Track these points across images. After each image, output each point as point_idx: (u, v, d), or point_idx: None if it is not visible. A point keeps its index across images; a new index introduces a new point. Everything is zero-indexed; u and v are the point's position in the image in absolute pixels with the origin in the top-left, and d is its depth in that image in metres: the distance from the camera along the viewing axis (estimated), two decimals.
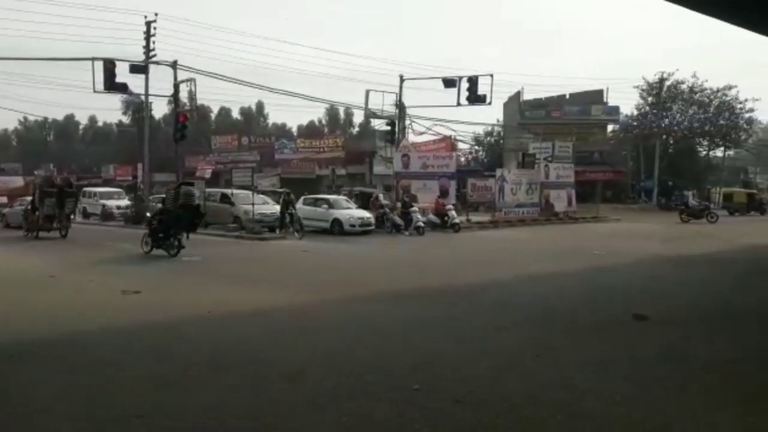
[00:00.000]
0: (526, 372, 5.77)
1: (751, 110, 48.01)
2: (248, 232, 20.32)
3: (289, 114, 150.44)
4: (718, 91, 47.69)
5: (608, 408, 4.76)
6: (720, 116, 47.94)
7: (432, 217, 23.62)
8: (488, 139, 56.05)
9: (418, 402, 4.88)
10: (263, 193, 27.54)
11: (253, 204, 21.36)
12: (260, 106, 76.48)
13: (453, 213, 23.73)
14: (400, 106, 31.54)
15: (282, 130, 71.99)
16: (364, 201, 25.69)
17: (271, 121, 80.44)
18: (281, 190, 27.17)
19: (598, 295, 10.23)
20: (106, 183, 48.02)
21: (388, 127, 31.12)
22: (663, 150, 47.33)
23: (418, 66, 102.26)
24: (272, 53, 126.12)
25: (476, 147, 55.90)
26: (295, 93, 49.67)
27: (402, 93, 30.99)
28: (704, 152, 53.66)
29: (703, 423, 4.56)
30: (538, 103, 51.48)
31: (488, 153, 54.94)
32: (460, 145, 49.14)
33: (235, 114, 76.84)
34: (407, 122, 33.06)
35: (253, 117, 77.66)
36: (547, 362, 6.13)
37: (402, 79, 31.05)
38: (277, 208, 21.90)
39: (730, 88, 47.50)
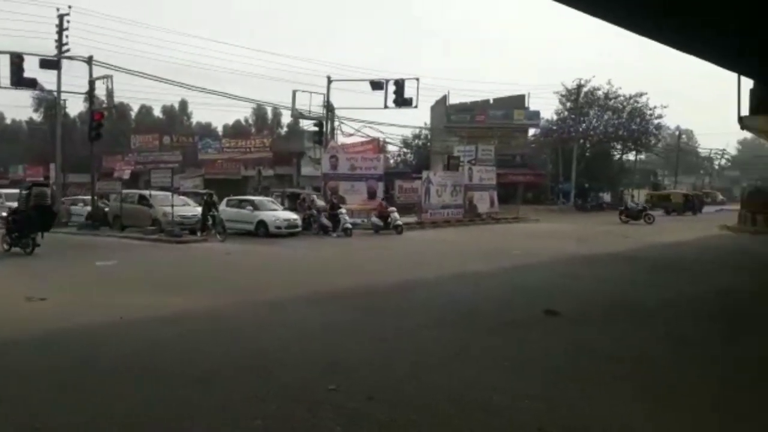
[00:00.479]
0: (444, 370, 5.86)
1: (660, 116, 51.28)
2: (167, 235, 19.63)
3: (215, 113, 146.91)
4: (630, 97, 50.63)
5: (519, 403, 4.92)
6: (632, 122, 50.86)
7: (375, 219, 23.61)
8: (416, 141, 56.84)
9: (334, 402, 4.87)
10: (185, 194, 26.70)
11: (172, 206, 20.66)
12: (183, 104, 73.99)
13: (396, 215, 23.78)
14: (329, 107, 31.47)
15: (207, 130, 69.98)
16: (296, 202, 25.42)
17: (195, 120, 78.04)
18: (204, 191, 26.44)
19: (515, 293, 10.56)
20: (14, 184, 45.04)
21: (317, 128, 30.95)
22: (580, 153, 49.61)
23: (347, 67, 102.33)
24: (198, 51, 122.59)
25: (404, 149, 56.60)
26: (220, 91, 48.64)
27: (330, 94, 30.96)
28: (618, 156, 56.67)
29: (607, 414, 4.80)
30: (463, 107, 52.72)
31: (416, 155, 55.69)
32: (389, 147, 49.64)
33: (157, 112, 74.10)
34: (336, 123, 33.04)
35: (176, 116, 75.06)
36: (466, 360, 6.27)
37: (329, 80, 31.02)
38: (199, 210, 21.30)
39: (641, 95, 50.58)
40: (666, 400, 5.08)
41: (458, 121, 51.16)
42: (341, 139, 35.66)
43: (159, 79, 41.93)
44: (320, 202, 24.31)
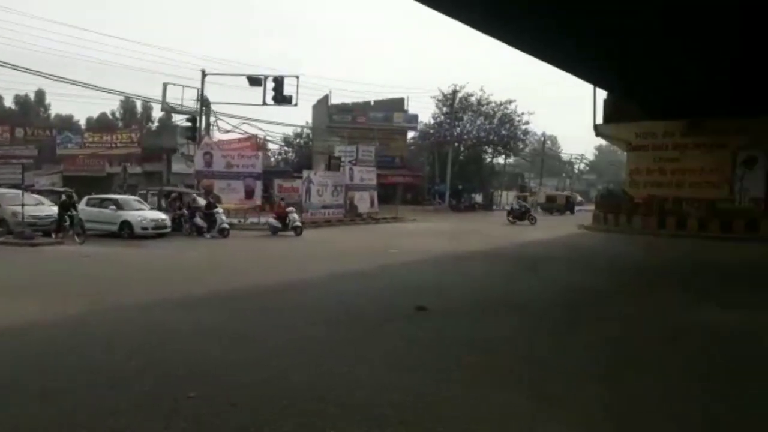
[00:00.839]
0: (314, 369, 5.76)
1: (527, 123, 54.91)
2: (17, 237, 17.75)
3: (77, 105, 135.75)
4: (501, 104, 53.71)
5: (384, 397, 4.95)
6: (502, 127, 53.98)
7: (272, 220, 22.71)
8: (298, 140, 56.33)
9: (192, 410, 4.60)
10: (39, 192, 24.32)
11: (23, 205, 18.72)
12: (40, 94, 67.81)
13: (294, 215, 22.82)
14: (203, 101, 30.17)
15: (67, 123, 64.49)
16: (168, 201, 23.77)
17: (54, 111, 71.68)
18: (63, 189, 24.25)
19: (390, 291, 10.71)
20: None
21: (190, 124, 29.55)
22: (455, 156, 51.85)
23: (222, 61, 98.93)
24: (63, 39, 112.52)
25: (286, 148, 55.85)
26: (82, 82, 44.75)
27: (204, 88, 29.71)
28: (489, 159, 59.91)
29: (468, 403, 4.96)
30: (345, 108, 53.04)
31: (298, 154, 55.19)
32: (270, 146, 48.66)
33: (8, 103, 67.20)
34: (212, 119, 31.77)
35: (32, 107, 68.53)
36: (337, 357, 6.21)
37: (204, 74, 29.76)
38: (55, 209, 19.47)
39: (510, 102, 53.80)
40: (523, 386, 5.35)
41: (340, 121, 51.42)
42: (218, 136, 34.36)
43: (14, 67, 37.76)
44: (202, 201, 23.00)
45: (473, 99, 53.29)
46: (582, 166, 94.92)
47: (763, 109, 23.82)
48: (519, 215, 31.82)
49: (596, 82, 25.95)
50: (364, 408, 4.74)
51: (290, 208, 23.21)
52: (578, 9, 13.24)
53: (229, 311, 8.53)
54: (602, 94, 29.68)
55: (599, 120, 30.63)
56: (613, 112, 29.82)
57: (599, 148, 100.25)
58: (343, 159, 35.48)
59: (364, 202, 32.26)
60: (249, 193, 26.47)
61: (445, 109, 52.92)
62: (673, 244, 21.88)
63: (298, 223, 22.58)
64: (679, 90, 22.45)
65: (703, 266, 16.28)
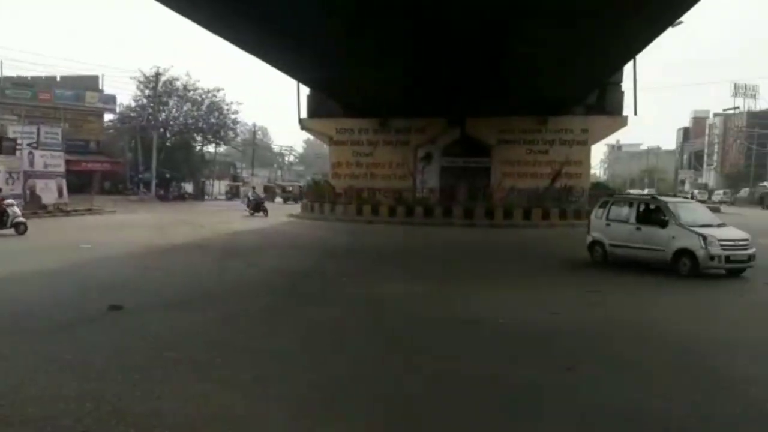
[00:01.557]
0: None
1: (236, 112, 54.69)
2: None
3: None
4: (209, 91, 52.26)
5: (63, 406, 4.50)
6: (211, 115, 52.72)
7: None
8: None
9: None
10: None
11: None
12: None
13: (16, 209, 18.03)
14: None
15: None
16: None
17: None
18: None
19: (80, 290, 9.66)
20: None
21: None
22: (161, 143, 48.82)
23: None
24: None
25: None
26: None
27: None
28: (199, 147, 57.99)
29: (156, 397, 4.80)
30: (23, 82, 45.54)
31: None
32: None
33: None
34: None
35: None
36: (3, 371, 5.37)
37: None
38: None
39: (218, 90, 52.77)
40: (224, 376, 5.40)
41: (15, 97, 43.82)
42: None
43: None
44: None
45: (179, 83, 50.83)
46: (292, 157, 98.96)
47: (434, 112, 28.13)
48: (256, 206, 30.91)
49: (296, 77, 27.16)
50: (42, 421, 4.22)
51: (9, 201, 18.57)
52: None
53: None
54: (306, 90, 31.25)
55: (304, 114, 32.25)
56: (316, 108, 31.70)
57: (307, 141, 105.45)
58: (20, 141, 30.39)
59: (49, 192, 28.19)
60: None
61: (147, 91, 49.31)
62: (366, 229, 24.34)
63: (21, 219, 18.06)
64: (369, 91, 24.95)
65: (391, 247, 18.49)
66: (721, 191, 58.18)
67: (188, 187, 52.22)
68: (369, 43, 17.08)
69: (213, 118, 52.90)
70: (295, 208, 34.78)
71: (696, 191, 58.47)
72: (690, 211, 13.10)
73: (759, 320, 8.68)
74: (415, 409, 4.88)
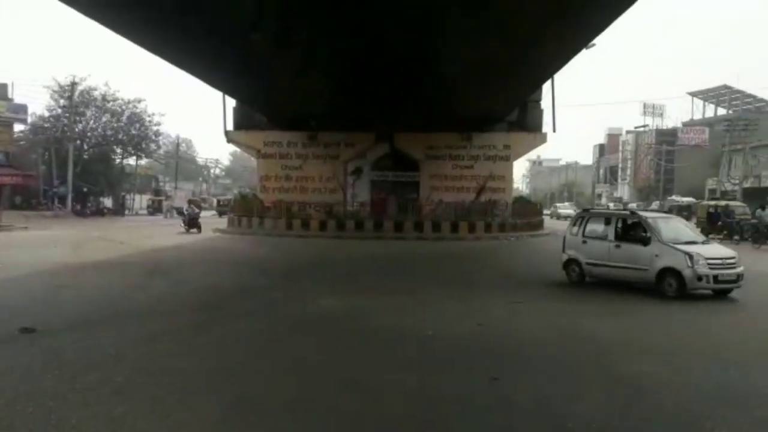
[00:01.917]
0: None
1: (159, 124, 52.87)
2: None
3: None
4: (129, 102, 50.25)
5: None
6: (132, 126, 50.70)
7: None
8: None
9: None
10: None
11: None
12: None
13: None
14: None
15: None
16: None
17: None
18: None
19: None
20: None
21: None
22: (78, 155, 46.46)
23: None
24: None
25: None
26: None
27: None
28: (119, 160, 55.60)
29: (66, 421, 4.55)
30: None
31: None
32: None
33: None
34: None
35: None
36: None
37: None
38: None
39: (140, 101, 50.86)
40: (144, 397, 5.20)
41: None
42: None
43: None
44: None
45: (97, 93, 48.62)
46: (218, 170, 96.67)
47: (363, 127, 28.40)
48: (190, 222, 28.93)
49: (222, 89, 26.68)
50: None
51: None
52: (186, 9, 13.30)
53: None
54: (232, 102, 30.77)
55: (230, 126, 31.69)
56: (242, 120, 31.25)
57: (234, 154, 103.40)
58: None
59: None
60: None
61: (63, 101, 46.87)
62: (296, 243, 24.08)
63: None
64: (297, 105, 24.88)
65: (322, 261, 18.38)
66: (634, 204, 61.74)
67: (107, 202, 49.89)
68: (295, 57, 17.07)
69: (134, 130, 50.92)
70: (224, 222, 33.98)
71: (611, 204, 61.81)
72: (672, 227, 12.21)
73: (694, 331, 9.26)
74: (337, 425, 4.89)
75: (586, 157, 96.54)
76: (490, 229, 27.56)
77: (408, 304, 10.24)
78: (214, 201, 65.79)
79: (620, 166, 77.28)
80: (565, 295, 11.82)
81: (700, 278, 10.83)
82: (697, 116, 73.20)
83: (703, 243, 12.02)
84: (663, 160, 64.98)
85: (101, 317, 8.89)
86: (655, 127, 69.93)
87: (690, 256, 10.87)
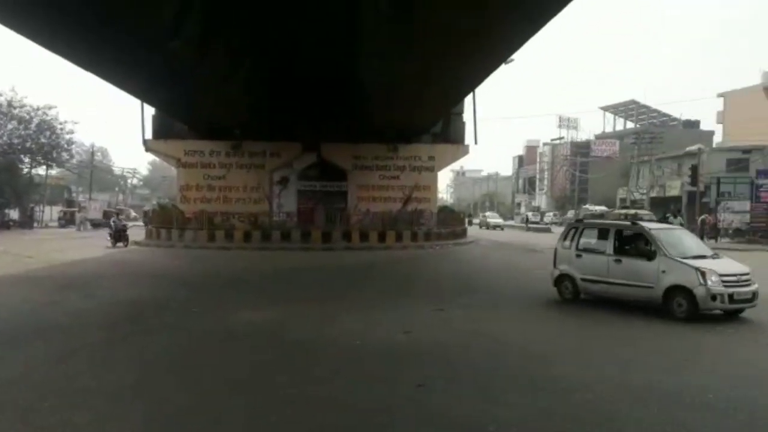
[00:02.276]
0: None
1: (72, 132, 50.12)
2: None
3: None
4: (39, 108, 47.38)
5: None
6: (42, 134, 47.82)
7: None
8: None
9: None
10: None
11: None
12: None
13: None
14: None
15: None
16: None
17: None
18: None
19: None
20: None
21: None
22: None
23: None
24: None
25: None
26: None
27: None
28: (27, 170, 52.23)
29: None
30: None
31: None
32: None
33: None
34: None
35: None
36: None
37: None
38: None
39: (50, 107, 48.05)
40: (53, 419, 4.89)
41: None
42: None
43: None
44: None
45: (2, 99, 45.56)
46: (135, 180, 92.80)
47: (289, 137, 28.16)
48: (117, 235, 26.60)
49: (139, 96, 25.62)
50: None
51: None
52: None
53: None
54: (150, 110, 29.66)
55: (149, 135, 30.53)
56: (161, 129, 30.16)
57: (153, 163, 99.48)
58: None
59: None
60: None
61: None
62: (219, 255, 23.42)
63: None
64: (220, 114, 24.32)
65: (245, 273, 17.95)
66: (551, 213, 64.50)
67: (14, 214, 46.69)
68: (217, 67, 16.69)
69: (44, 138, 47.99)
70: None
71: (530, 213, 64.34)
72: (678, 240, 10.98)
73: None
74: None
75: (507, 168, 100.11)
76: (416, 238, 27.96)
77: (335, 314, 10.19)
78: (131, 212, 63.02)
79: (538, 176, 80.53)
80: (489, 302, 12.12)
81: (714, 297, 9.54)
82: (609, 129, 77.71)
83: (712, 257, 10.69)
84: (578, 170, 68.32)
85: (7, 336, 8.30)
86: (570, 140, 73.47)
87: (702, 272, 9.64)
